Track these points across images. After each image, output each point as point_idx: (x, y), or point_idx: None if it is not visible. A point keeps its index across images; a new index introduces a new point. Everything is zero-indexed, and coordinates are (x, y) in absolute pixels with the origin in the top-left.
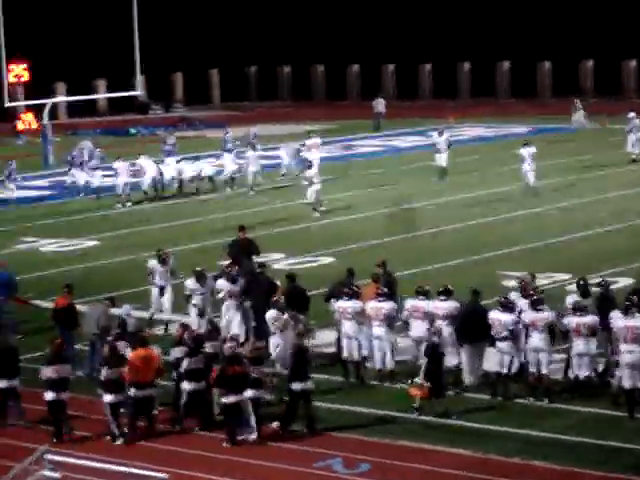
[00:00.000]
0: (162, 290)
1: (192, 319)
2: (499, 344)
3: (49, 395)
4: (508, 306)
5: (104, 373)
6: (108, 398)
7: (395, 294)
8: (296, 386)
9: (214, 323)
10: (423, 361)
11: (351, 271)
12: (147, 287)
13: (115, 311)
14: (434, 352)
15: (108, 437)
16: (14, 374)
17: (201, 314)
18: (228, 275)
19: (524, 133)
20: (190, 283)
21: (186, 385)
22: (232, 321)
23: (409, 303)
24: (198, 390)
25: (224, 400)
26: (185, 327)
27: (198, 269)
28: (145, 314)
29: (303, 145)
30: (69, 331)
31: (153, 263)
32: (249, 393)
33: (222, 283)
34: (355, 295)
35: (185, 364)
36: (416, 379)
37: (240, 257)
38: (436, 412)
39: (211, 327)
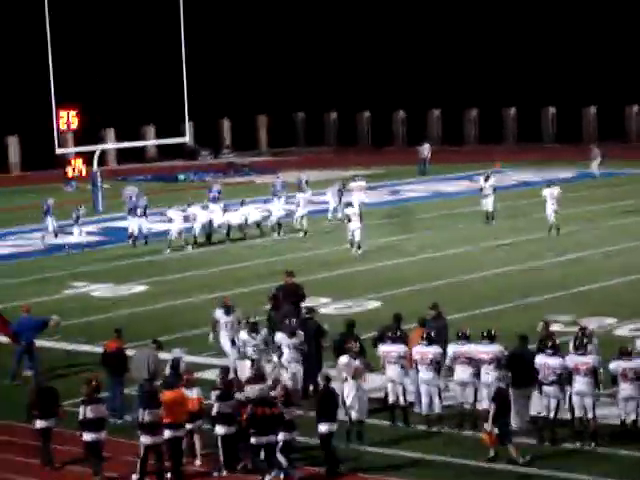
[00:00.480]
0: (233, 341)
1: (244, 367)
2: (546, 388)
3: (87, 436)
4: (555, 350)
5: (140, 415)
6: (144, 440)
7: (447, 338)
8: (322, 427)
9: (260, 369)
10: (485, 405)
11: (398, 316)
12: (199, 331)
13: (162, 354)
14: (502, 398)
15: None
16: (52, 414)
17: (252, 362)
18: (286, 327)
19: (570, 178)
20: (243, 335)
21: (218, 429)
22: (296, 373)
23: (452, 348)
24: (230, 434)
25: (252, 441)
26: (225, 372)
27: (252, 320)
28: (194, 358)
29: (343, 186)
30: (119, 376)
31: (219, 313)
32: (280, 436)
33: (281, 337)
34: (400, 339)
35: (215, 408)
36: (485, 426)
37: (285, 302)
38: (506, 459)
39: (257, 373)
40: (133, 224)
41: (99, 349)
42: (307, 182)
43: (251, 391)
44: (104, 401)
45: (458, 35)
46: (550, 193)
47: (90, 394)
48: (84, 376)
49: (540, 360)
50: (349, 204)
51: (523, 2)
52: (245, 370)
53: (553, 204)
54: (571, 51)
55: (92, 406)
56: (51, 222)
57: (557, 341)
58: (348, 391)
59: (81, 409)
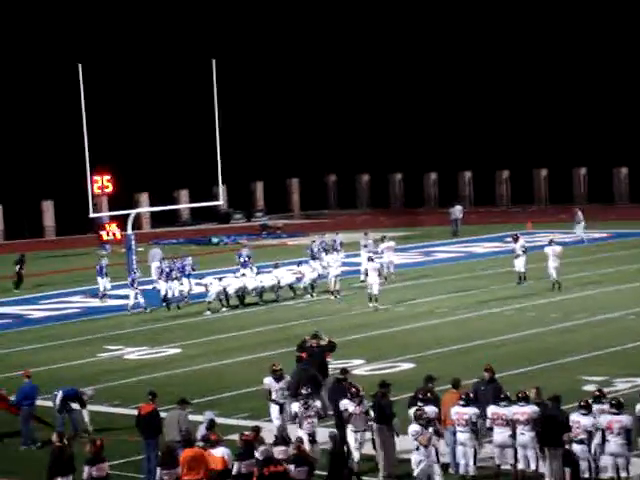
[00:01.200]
0: (282, 407)
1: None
2: (575, 447)
3: None
4: (589, 409)
5: (158, 474)
6: None
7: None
8: None
9: (283, 433)
10: (521, 466)
11: (430, 377)
12: (232, 393)
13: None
14: (571, 460)
15: None
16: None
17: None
18: (352, 393)
19: (602, 238)
20: (296, 407)
21: None
22: (362, 443)
23: (491, 410)
24: None
25: None
26: (256, 430)
27: (304, 392)
28: (226, 420)
29: (365, 246)
30: (153, 438)
31: (269, 380)
32: None
33: (346, 402)
34: (431, 401)
35: (235, 467)
36: None
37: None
38: None
39: (280, 436)
40: (163, 287)
41: (133, 412)
42: (341, 244)
43: (276, 452)
44: (107, 460)
45: (490, 98)
46: (552, 250)
47: (95, 453)
48: (119, 439)
49: (573, 418)
50: (370, 259)
51: (556, 63)
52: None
53: (554, 261)
54: (602, 112)
55: (97, 466)
56: (102, 283)
57: (589, 400)
58: (417, 460)
59: (86, 469)
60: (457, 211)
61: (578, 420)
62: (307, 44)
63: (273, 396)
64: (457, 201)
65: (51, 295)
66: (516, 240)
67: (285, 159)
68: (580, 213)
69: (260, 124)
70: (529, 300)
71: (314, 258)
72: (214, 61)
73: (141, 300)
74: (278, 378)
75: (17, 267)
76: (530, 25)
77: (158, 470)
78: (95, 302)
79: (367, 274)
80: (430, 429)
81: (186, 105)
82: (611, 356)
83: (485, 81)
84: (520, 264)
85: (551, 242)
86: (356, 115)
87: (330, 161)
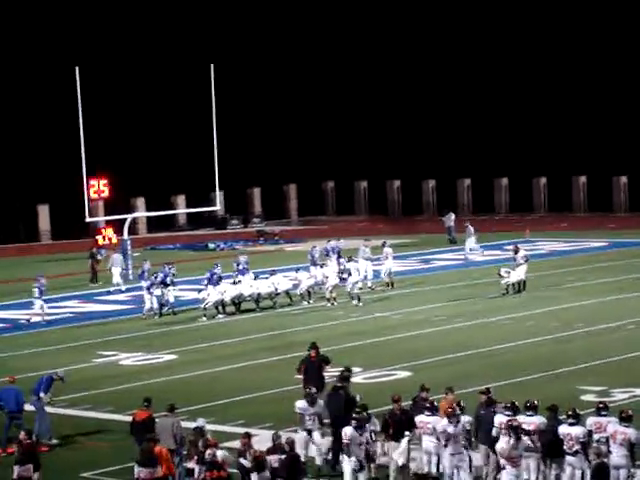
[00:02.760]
0: (310, 433)
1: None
2: (569, 458)
3: None
4: (576, 418)
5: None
6: None
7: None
8: None
9: (279, 439)
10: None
11: (423, 386)
12: (227, 400)
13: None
14: (603, 472)
15: None
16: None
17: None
18: (307, 395)
19: (601, 247)
20: (349, 431)
21: None
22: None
23: (498, 419)
24: None
25: None
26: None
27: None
28: (221, 427)
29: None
30: None
31: (302, 404)
32: None
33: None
34: (437, 410)
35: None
36: None
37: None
38: None
39: (275, 442)
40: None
41: (127, 418)
42: (334, 250)
43: (272, 460)
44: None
45: (488, 105)
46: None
47: (23, 454)
48: (113, 445)
49: (563, 430)
50: (351, 259)
51: (556, 71)
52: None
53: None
54: (602, 120)
55: (25, 466)
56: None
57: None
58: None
59: (16, 469)
60: (449, 219)
61: (568, 432)
62: (305, 50)
63: (306, 421)
64: (449, 209)
65: (46, 300)
66: (516, 252)
67: (283, 165)
68: (471, 227)
69: (258, 130)
70: (527, 309)
71: (314, 264)
72: (212, 66)
73: (155, 305)
74: (312, 403)
75: (90, 261)
76: (529, 32)
77: (136, 468)
78: (90, 307)
79: (349, 274)
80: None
81: (184, 110)
82: (609, 366)
83: (484, 89)
84: (520, 273)
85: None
86: (354, 121)
87: (328, 167)
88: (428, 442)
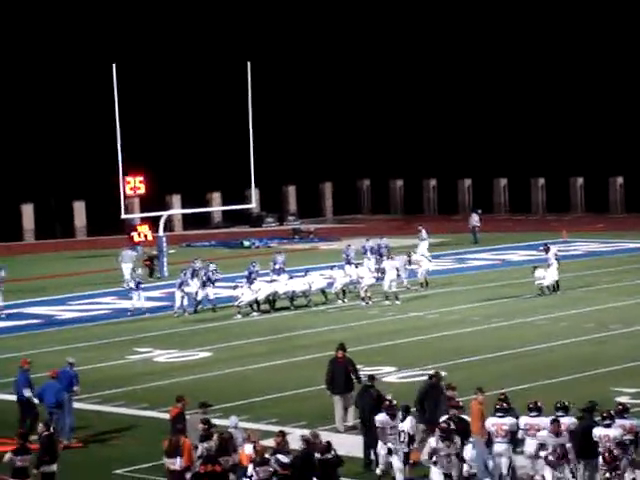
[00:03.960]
0: (390, 452)
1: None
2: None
3: None
4: (612, 421)
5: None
6: None
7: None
8: None
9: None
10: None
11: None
12: (261, 398)
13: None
14: None
15: None
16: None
17: None
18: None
19: (638, 248)
20: (398, 464)
21: None
22: None
23: (523, 420)
24: None
25: None
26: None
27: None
28: (255, 425)
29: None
30: None
31: (382, 417)
32: None
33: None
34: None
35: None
36: None
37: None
38: None
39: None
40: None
41: (162, 415)
42: (372, 250)
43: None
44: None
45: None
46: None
47: (21, 445)
48: (146, 443)
49: (598, 432)
50: (389, 257)
51: (554, 71)
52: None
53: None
54: (600, 121)
55: (22, 457)
56: (195, 284)
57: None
58: None
59: (7, 456)
60: (473, 219)
61: (607, 434)
62: (341, 49)
63: (387, 435)
64: (474, 209)
65: (81, 296)
66: (547, 251)
67: (318, 163)
68: (424, 231)
69: (294, 127)
70: (562, 310)
71: (349, 263)
72: (249, 63)
73: (185, 302)
74: (393, 417)
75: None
76: (528, 34)
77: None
78: (124, 303)
79: (383, 272)
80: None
81: (220, 107)
82: None
83: (485, 92)
84: (554, 272)
85: (536, 267)
86: (392, 120)
87: (364, 166)
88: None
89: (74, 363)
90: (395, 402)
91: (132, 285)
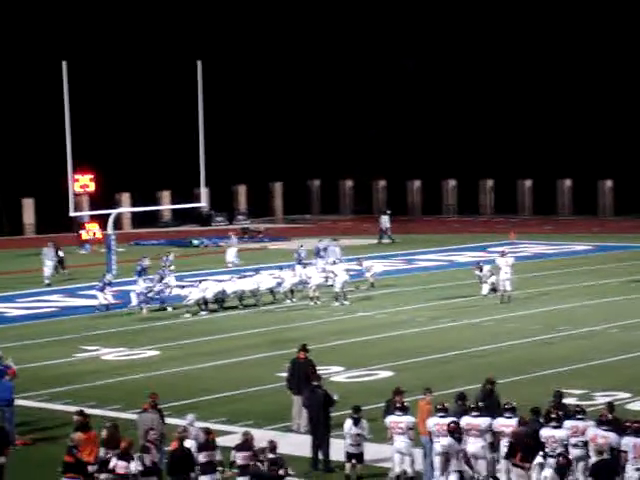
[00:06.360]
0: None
1: None
2: (550, 461)
3: None
4: (560, 422)
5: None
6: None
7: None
8: None
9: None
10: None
11: (398, 390)
12: (210, 397)
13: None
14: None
15: None
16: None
17: None
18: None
19: (585, 250)
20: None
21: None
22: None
23: (465, 420)
24: None
25: None
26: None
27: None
28: (204, 424)
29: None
30: None
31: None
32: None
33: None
34: (408, 410)
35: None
36: None
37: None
38: None
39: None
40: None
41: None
42: (325, 250)
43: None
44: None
45: (474, 107)
46: (505, 262)
47: None
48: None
49: (545, 433)
50: (338, 260)
51: (541, 75)
52: None
53: (507, 272)
54: (588, 124)
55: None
56: (142, 281)
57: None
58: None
59: None
60: (384, 220)
61: (552, 435)
62: (293, 48)
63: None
64: (385, 211)
65: (28, 294)
66: (503, 255)
67: (269, 163)
68: (234, 237)
69: (244, 127)
70: (509, 311)
71: (300, 263)
72: (200, 62)
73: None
74: (356, 422)
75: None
76: (519, 36)
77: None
78: (72, 301)
79: (335, 274)
80: None
81: (171, 106)
82: (592, 369)
83: (473, 91)
84: (504, 275)
85: (503, 254)
86: (341, 120)
87: (314, 166)
88: (400, 442)
89: (2, 357)
90: (337, 399)
91: (49, 282)
